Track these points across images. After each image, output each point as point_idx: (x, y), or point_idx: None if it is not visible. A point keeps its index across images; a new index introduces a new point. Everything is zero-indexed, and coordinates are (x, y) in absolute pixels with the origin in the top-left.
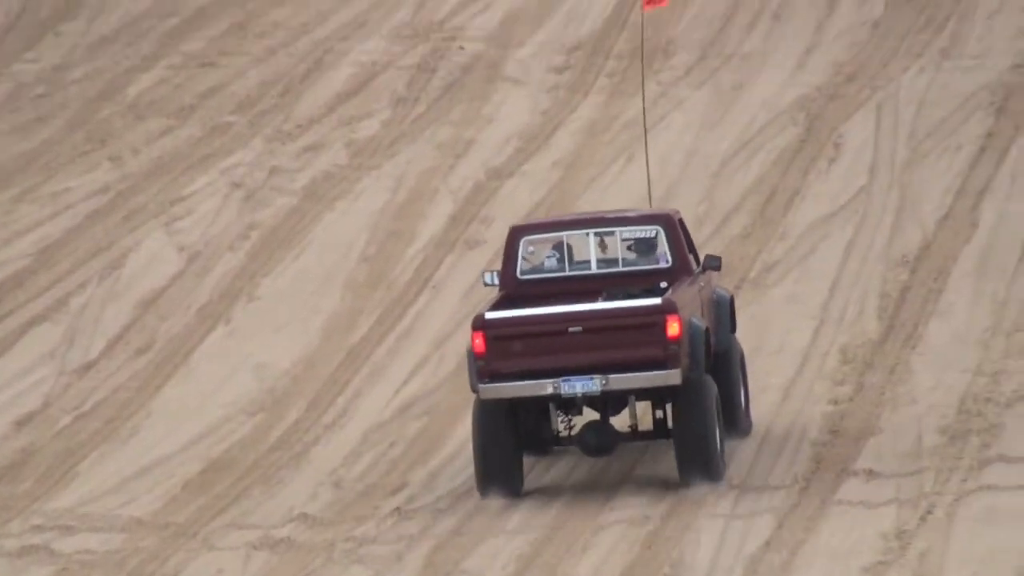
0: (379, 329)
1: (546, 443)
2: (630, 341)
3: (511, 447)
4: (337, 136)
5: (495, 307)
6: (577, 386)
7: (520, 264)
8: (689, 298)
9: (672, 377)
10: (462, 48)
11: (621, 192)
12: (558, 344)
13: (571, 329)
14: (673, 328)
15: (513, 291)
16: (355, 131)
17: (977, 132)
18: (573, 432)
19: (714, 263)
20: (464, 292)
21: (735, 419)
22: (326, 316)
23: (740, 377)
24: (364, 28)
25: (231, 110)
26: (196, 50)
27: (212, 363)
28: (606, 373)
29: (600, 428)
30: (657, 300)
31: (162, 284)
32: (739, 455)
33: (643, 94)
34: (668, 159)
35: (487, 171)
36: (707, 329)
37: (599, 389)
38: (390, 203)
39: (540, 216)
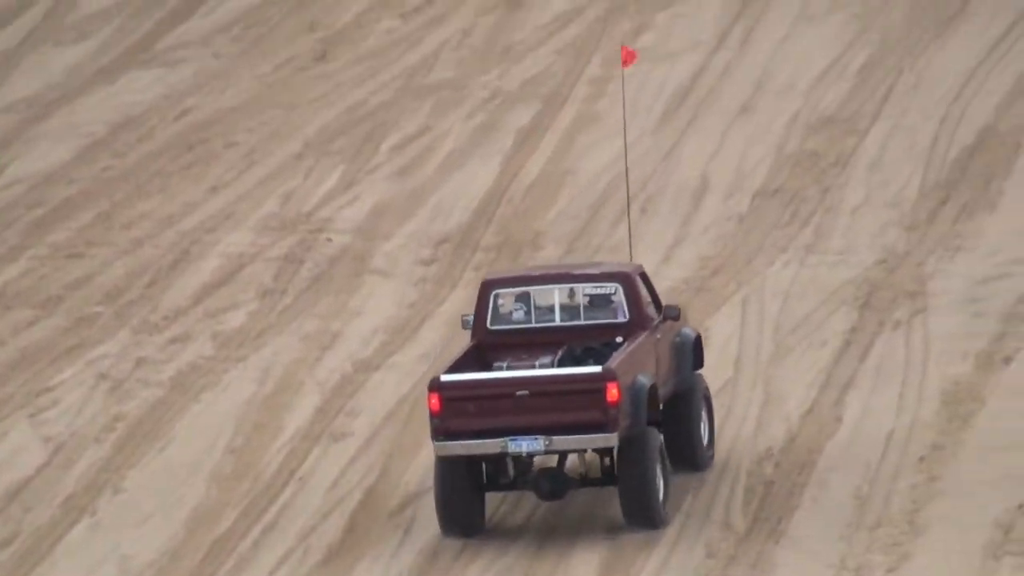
0: (244, 521)
1: (503, 487)
2: (572, 405)
3: (469, 492)
4: (203, 327)
5: (453, 367)
6: (523, 445)
7: (490, 315)
8: (639, 354)
9: (610, 440)
10: (329, 240)
11: None
12: (506, 406)
13: (518, 393)
14: (612, 395)
15: (483, 340)
16: (221, 322)
17: (841, 327)
18: (529, 477)
19: (672, 313)
20: (330, 485)
21: (696, 454)
22: (191, 508)
23: (701, 413)
24: (231, 219)
25: (97, 301)
26: (62, 240)
27: (77, 555)
28: (550, 434)
29: (553, 475)
30: (598, 369)
31: (27, 475)
32: None
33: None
34: None
35: (354, 363)
36: (653, 384)
37: (543, 448)
38: (256, 395)
39: (511, 269)
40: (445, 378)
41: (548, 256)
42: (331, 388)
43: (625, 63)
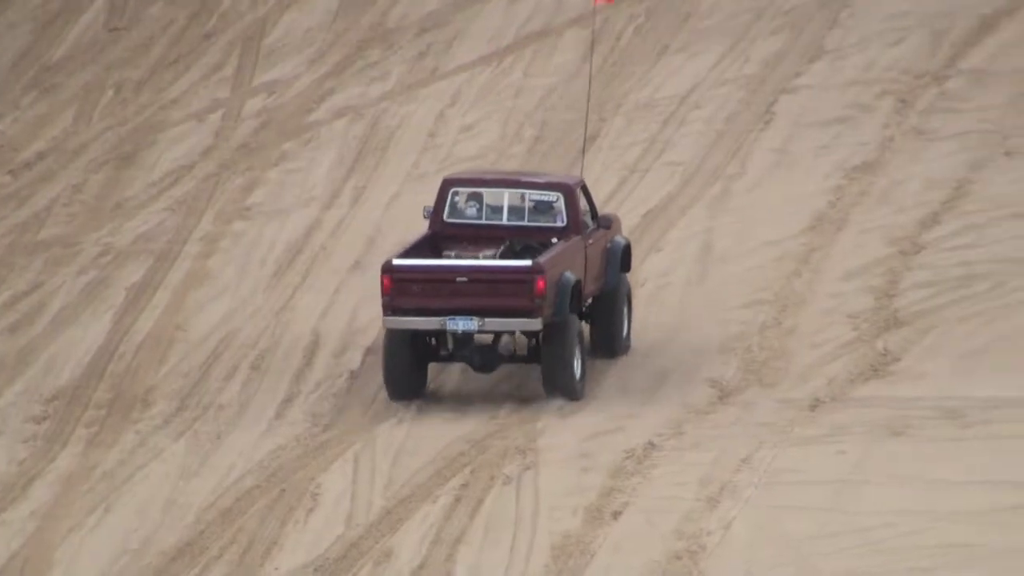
0: None
1: (442, 359)
2: (504, 292)
3: (412, 362)
4: None
5: (406, 253)
6: (460, 324)
7: (447, 209)
8: (569, 254)
9: (535, 324)
10: None
11: (98, 543)
12: (447, 290)
13: (458, 279)
14: (539, 286)
15: (438, 231)
16: None
17: (453, 483)
18: (465, 351)
19: (606, 222)
20: None
21: (615, 344)
22: None
23: (623, 309)
24: None
25: None
26: None
27: None
28: (483, 316)
29: (485, 350)
30: (528, 263)
31: None
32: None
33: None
34: (146, 510)
35: None
36: (578, 281)
37: (476, 328)
38: None
39: (470, 171)
40: (396, 262)
41: (160, 411)
42: None
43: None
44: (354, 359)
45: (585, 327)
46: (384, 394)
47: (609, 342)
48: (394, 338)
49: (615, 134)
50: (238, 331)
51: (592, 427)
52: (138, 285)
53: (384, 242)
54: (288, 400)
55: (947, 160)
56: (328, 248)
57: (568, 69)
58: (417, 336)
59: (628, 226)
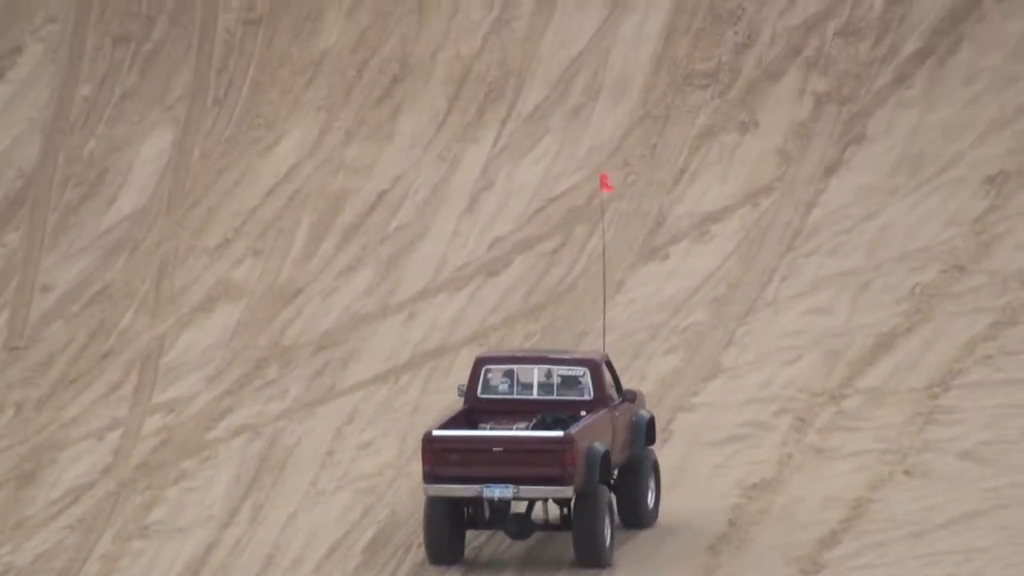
0: None
1: (481, 526)
2: (538, 462)
3: (451, 529)
4: None
5: (444, 425)
6: (496, 491)
7: (480, 386)
8: (597, 426)
9: (567, 492)
10: None
11: None
12: (484, 459)
13: (495, 449)
14: (571, 456)
15: (473, 405)
16: None
17: None
18: (502, 519)
19: (630, 396)
20: None
21: (640, 514)
22: None
23: (648, 481)
24: None
25: None
26: None
27: None
28: (518, 484)
29: (521, 518)
30: (561, 434)
31: None
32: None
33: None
34: None
35: None
36: (607, 451)
37: (511, 496)
38: None
39: (500, 349)
40: (436, 433)
41: None
42: None
43: (604, 187)
44: None
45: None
46: None
47: (635, 511)
48: (434, 505)
49: None
50: None
51: None
52: None
53: (283, 559)
54: None
55: (846, 478)
56: (227, 567)
57: None
58: (455, 504)
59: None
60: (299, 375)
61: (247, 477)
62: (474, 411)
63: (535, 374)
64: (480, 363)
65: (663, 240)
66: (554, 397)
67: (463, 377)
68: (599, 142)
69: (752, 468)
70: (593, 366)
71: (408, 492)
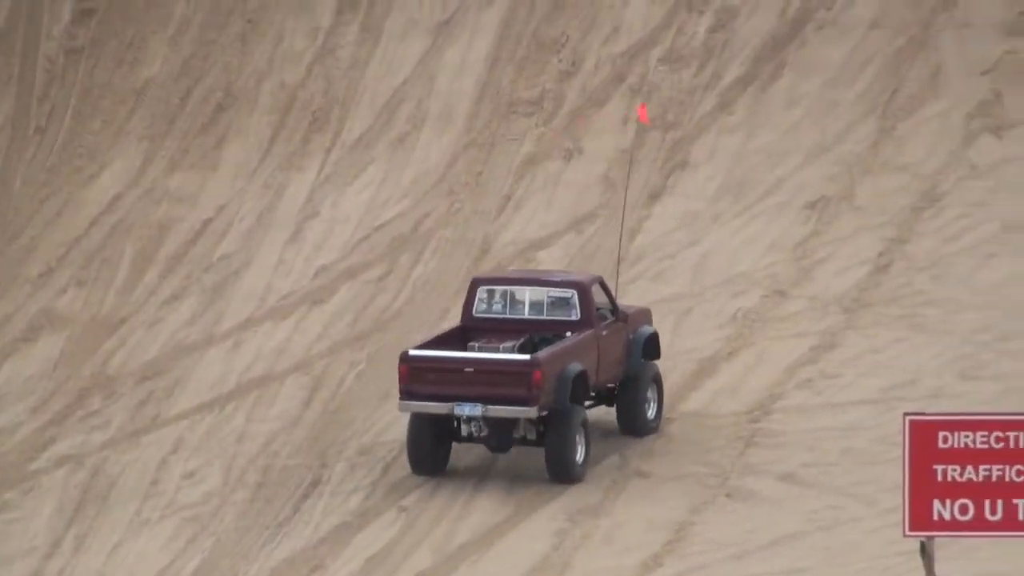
0: None
1: (461, 440)
2: (505, 383)
3: (430, 441)
4: None
5: (428, 344)
6: (466, 409)
7: (475, 306)
8: (574, 347)
9: (531, 412)
10: None
11: None
12: (456, 378)
13: (466, 369)
14: (536, 379)
15: (467, 324)
16: None
17: None
18: (482, 434)
19: (622, 316)
20: None
21: (639, 425)
22: None
23: (645, 394)
24: None
25: None
26: None
27: None
28: (487, 403)
29: (501, 433)
30: (527, 357)
31: None
32: None
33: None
34: None
35: None
36: (582, 372)
37: (480, 414)
38: None
39: (496, 270)
40: (412, 352)
41: None
42: None
43: (643, 118)
44: None
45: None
46: None
47: (633, 422)
48: (415, 420)
49: (337, 480)
50: None
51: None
52: None
53: None
54: None
55: (668, 502)
56: None
57: (290, 414)
58: (435, 419)
59: None
60: (123, 405)
61: (70, 507)
62: (468, 329)
63: (527, 294)
64: (476, 283)
65: (489, 267)
66: (544, 317)
67: (289, 405)
68: (424, 170)
69: (577, 495)
70: (581, 288)
71: (233, 520)
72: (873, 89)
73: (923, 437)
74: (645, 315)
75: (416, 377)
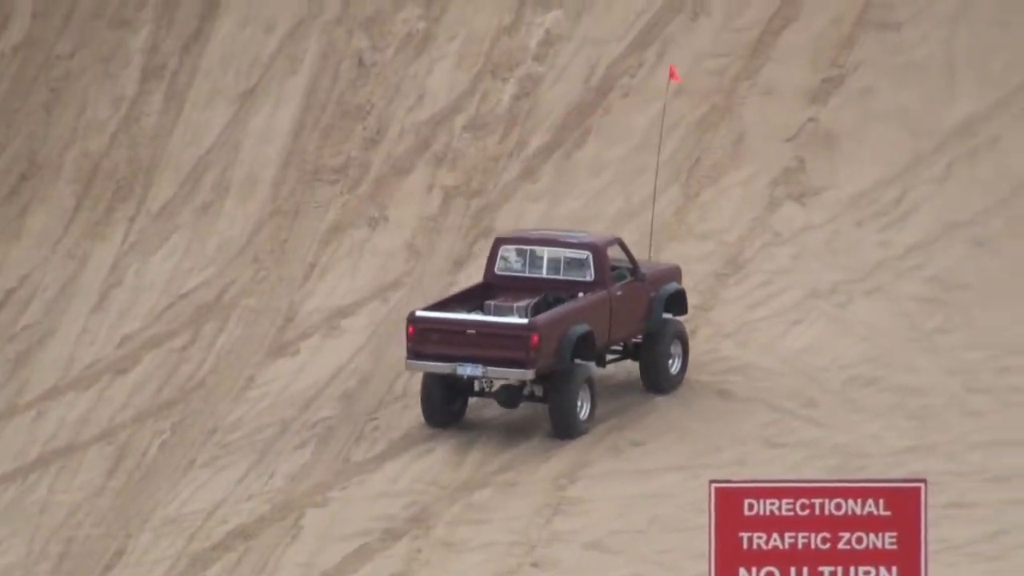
0: None
1: (476, 395)
2: (503, 346)
3: (441, 396)
4: None
5: (440, 304)
6: (467, 369)
7: (497, 263)
8: (580, 309)
9: (527, 374)
10: None
11: None
12: (459, 340)
13: (468, 331)
14: (533, 341)
15: (489, 281)
16: None
17: None
18: (493, 390)
19: (640, 276)
20: None
21: (660, 381)
22: None
23: (668, 350)
24: None
25: None
26: None
27: None
28: (487, 364)
29: (511, 390)
30: (524, 321)
31: None
32: None
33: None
34: None
35: None
36: (588, 332)
37: (480, 374)
38: None
39: (518, 231)
40: (418, 314)
41: None
42: None
43: (673, 77)
44: None
45: (634, 365)
46: None
47: (655, 378)
48: (429, 377)
49: (142, 550)
50: None
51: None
52: None
53: None
54: None
55: (474, 571)
56: None
57: (94, 484)
58: (447, 376)
59: None
60: None
61: None
62: (490, 286)
63: (545, 254)
64: (498, 243)
65: (293, 335)
66: (560, 277)
67: (93, 475)
68: (229, 238)
69: (381, 563)
70: (595, 249)
71: None
72: (677, 156)
73: (729, 505)
74: (672, 273)
75: (422, 337)
